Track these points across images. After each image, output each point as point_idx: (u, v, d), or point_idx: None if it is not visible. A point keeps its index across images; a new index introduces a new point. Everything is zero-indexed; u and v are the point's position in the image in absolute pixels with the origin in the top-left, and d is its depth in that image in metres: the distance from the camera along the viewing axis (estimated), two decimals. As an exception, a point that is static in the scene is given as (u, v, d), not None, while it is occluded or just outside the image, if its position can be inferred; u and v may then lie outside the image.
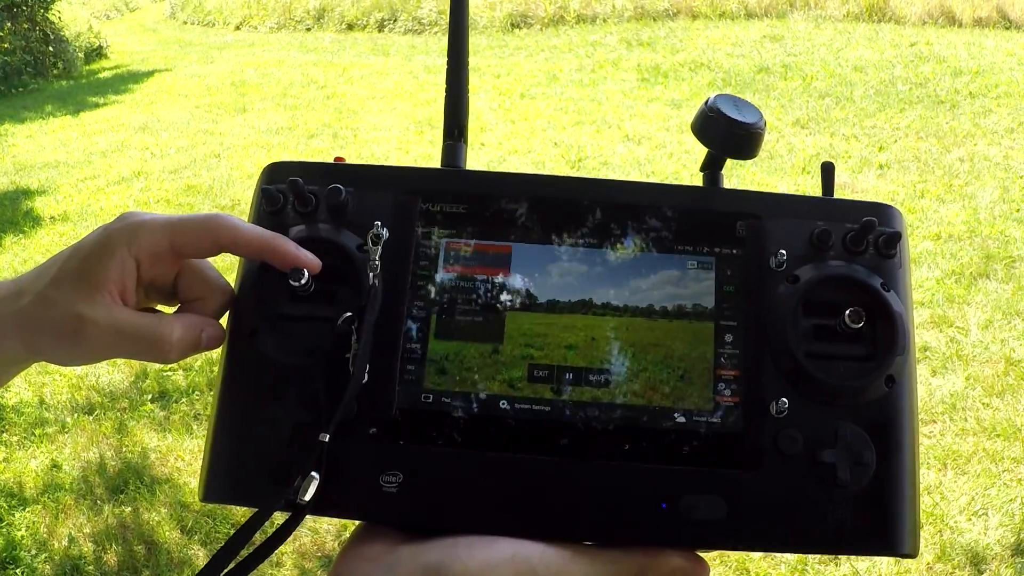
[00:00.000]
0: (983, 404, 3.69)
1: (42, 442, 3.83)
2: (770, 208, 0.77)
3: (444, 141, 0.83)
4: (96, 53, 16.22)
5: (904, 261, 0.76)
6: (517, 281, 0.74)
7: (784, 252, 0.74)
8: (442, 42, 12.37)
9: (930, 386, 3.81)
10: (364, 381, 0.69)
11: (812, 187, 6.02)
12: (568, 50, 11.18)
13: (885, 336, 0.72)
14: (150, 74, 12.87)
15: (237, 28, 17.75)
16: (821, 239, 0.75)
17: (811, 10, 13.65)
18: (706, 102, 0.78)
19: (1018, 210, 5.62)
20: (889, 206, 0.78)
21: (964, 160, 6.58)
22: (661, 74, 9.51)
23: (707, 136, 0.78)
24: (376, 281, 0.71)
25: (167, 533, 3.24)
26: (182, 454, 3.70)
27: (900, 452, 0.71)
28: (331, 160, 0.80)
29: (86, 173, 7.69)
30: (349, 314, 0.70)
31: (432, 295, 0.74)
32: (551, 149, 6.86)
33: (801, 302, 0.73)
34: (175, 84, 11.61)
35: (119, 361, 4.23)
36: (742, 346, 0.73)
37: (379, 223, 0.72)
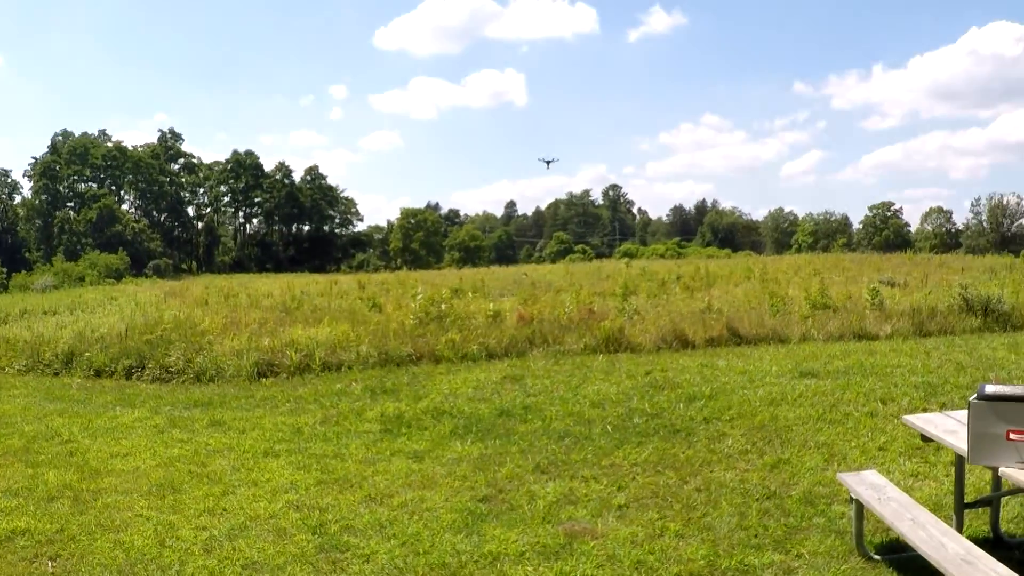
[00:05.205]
0: None
1: None
2: None
3: None
4: None
5: None
6: None
7: None
8: (189, 391, 12.03)
9: None
10: None
11: (552, 537, 5.89)
12: (313, 400, 11.09)
13: None
14: None
15: (-19, 372, 16.76)
16: None
17: (550, 346, 14.33)
18: None
19: (755, 536, 5.74)
20: None
21: (701, 489, 6.76)
22: (404, 423, 9.54)
23: None
24: None
25: None
26: None
27: None
28: None
29: None
30: None
31: None
32: (293, 514, 6.53)
33: None
34: None
35: None
36: None
37: None
